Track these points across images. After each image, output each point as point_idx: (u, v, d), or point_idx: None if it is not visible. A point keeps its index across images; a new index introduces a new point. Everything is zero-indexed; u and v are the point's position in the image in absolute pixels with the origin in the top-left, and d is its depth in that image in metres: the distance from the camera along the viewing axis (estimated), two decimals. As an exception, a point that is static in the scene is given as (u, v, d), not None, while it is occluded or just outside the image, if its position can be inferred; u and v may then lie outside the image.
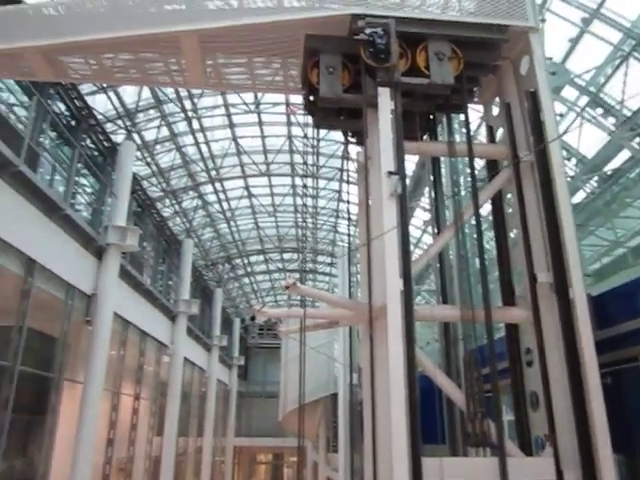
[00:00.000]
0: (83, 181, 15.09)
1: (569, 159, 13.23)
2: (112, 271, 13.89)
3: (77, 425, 12.46)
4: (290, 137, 23.03)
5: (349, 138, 6.58)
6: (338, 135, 22.22)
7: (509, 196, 6.00)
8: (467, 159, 5.77)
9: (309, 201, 21.26)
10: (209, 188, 25.95)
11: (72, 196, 13.28)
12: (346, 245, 28.83)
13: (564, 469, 4.61)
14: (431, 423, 6.27)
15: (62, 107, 13.48)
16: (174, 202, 24.78)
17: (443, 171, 7.14)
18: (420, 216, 23.20)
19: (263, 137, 23.10)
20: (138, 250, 15.76)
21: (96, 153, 15.15)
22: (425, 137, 6.43)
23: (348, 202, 7.17)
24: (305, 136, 20.19)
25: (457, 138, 7.07)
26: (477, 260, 6.62)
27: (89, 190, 15.43)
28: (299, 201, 27.66)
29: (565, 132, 12.96)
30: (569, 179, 12.59)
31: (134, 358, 17.51)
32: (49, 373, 11.92)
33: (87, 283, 13.26)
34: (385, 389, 4.49)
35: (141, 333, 17.82)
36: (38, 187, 10.66)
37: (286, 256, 35.34)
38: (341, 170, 24.53)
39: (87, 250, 13.24)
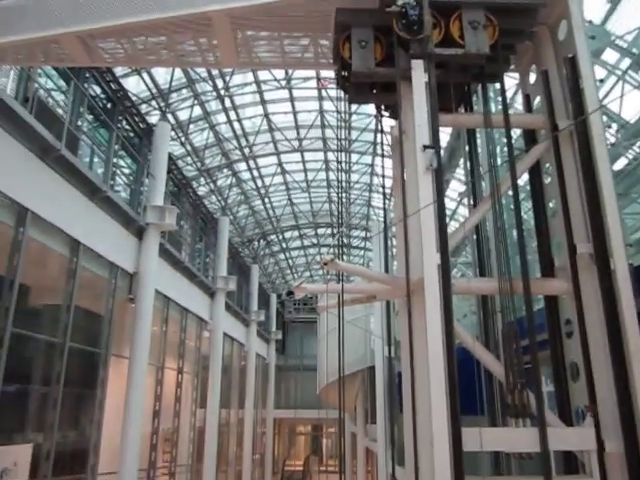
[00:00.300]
0: (121, 163, 15.43)
1: (610, 126, 12.80)
2: (152, 250, 14.26)
3: (125, 398, 13.00)
4: (322, 112, 22.93)
5: (382, 112, 6.54)
6: (370, 108, 22.03)
7: (547, 165, 5.90)
8: (504, 129, 5.68)
9: (342, 176, 21.20)
10: (243, 166, 26.17)
11: (111, 178, 13.61)
12: (380, 219, 28.76)
13: (605, 439, 4.61)
14: (470, 395, 6.31)
15: (98, 90, 13.75)
16: (209, 181, 25.10)
17: (479, 142, 7.04)
18: (455, 188, 22.89)
19: (295, 113, 23.07)
20: (176, 229, 16.11)
21: (132, 135, 15.43)
22: (460, 108, 6.34)
23: (383, 176, 7.14)
24: (337, 110, 20.09)
25: (492, 108, 6.95)
26: (515, 232, 6.57)
27: (127, 171, 15.77)
28: (332, 176, 27.67)
29: (604, 98, 12.53)
30: (610, 146, 12.21)
31: (176, 334, 18.03)
32: (97, 349, 12.43)
33: (129, 262, 13.66)
34: (424, 362, 4.55)
35: (181, 309, 18.30)
36: (79, 170, 10.98)
37: (320, 231, 35.51)
38: (374, 144, 24.34)
39: (127, 230, 13.61)
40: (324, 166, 27.40)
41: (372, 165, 26.52)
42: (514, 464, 5.95)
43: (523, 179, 6.51)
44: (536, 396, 4.57)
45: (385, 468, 18.23)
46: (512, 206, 6.49)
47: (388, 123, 6.76)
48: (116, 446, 12.75)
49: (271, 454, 34.16)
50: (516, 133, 8.53)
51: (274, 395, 35.09)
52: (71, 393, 11.75)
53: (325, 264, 4.26)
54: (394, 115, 6.30)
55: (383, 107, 6.62)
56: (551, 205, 5.90)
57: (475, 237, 6.17)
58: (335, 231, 34.10)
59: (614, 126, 12.90)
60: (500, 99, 6.84)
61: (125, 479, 12.57)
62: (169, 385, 17.16)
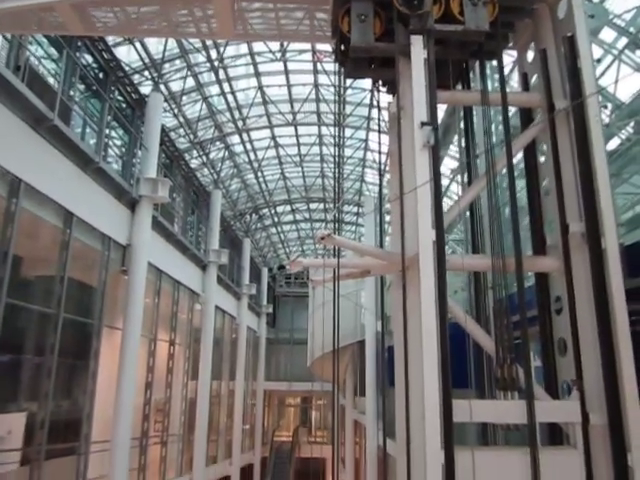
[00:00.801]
0: (113, 134, 15.28)
1: (605, 106, 12.82)
2: (145, 222, 14.25)
3: (118, 368, 13.13)
4: (317, 85, 22.72)
5: (380, 87, 6.52)
6: (365, 83, 21.85)
7: (543, 146, 5.94)
8: (499, 107, 5.70)
9: (338, 151, 21.14)
10: (236, 139, 25.99)
11: (104, 149, 13.51)
12: (373, 195, 28.78)
13: (590, 412, 4.76)
14: (459, 369, 6.47)
15: (89, 59, 13.52)
16: (202, 153, 24.92)
17: (475, 119, 7.05)
18: (448, 165, 22.92)
19: (289, 86, 22.85)
20: (169, 201, 16.06)
21: (124, 106, 15.25)
22: (457, 86, 6.34)
23: (380, 152, 7.10)
24: (333, 85, 19.89)
25: (489, 85, 6.95)
26: (508, 210, 6.64)
27: (119, 143, 15.63)
28: (325, 151, 27.56)
29: (600, 77, 12.51)
30: (605, 127, 12.24)
31: (168, 306, 18.13)
32: (90, 320, 12.50)
33: (122, 234, 13.65)
34: (417, 336, 4.65)
35: (174, 282, 18.37)
36: (72, 141, 10.89)
37: (312, 206, 35.51)
38: (368, 119, 24.21)
39: (120, 202, 13.57)
40: (318, 140, 27.27)
41: (366, 140, 26.43)
42: (500, 436, 6.12)
43: (517, 158, 6.55)
44: (525, 370, 4.70)
45: (374, 439, 18.66)
46: (506, 184, 6.56)
47: (385, 99, 6.75)
48: (109, 416, 12.93)
49: (261, 425, 34.70)
50: (510, 111, 8.52)
51: (264, 368, 35.50)
52: (65, 363, 11.86)
53: (322, 238, 4.31)
54: (391, 91, 6.29)
55: (380, 82, 6.60)
56: (544, 184, 5.97)
57: (469, 215, 6.24)
58: (327, 206, 34.13)
59: (609, 106, 12.93)
60: (496, 77, 6.84)
61: (118, 447, 12.78)
62: (161, 357, 17.32)
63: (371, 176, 30.37)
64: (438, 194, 4.72)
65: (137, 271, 13.86)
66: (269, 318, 37.74)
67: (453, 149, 18.70)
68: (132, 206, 14.08)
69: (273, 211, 35.55)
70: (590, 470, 4.57)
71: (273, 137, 26.66)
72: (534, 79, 6.22)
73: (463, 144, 7.58)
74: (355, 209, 34.28)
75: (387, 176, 9.44)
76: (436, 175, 4.74)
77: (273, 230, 39.27)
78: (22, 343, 11.95)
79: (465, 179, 6.70)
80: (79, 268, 12.09)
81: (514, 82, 11.72)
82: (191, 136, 23.13)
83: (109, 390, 13.01)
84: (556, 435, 5.27)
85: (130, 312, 13.57)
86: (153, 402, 16.32)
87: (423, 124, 4.91)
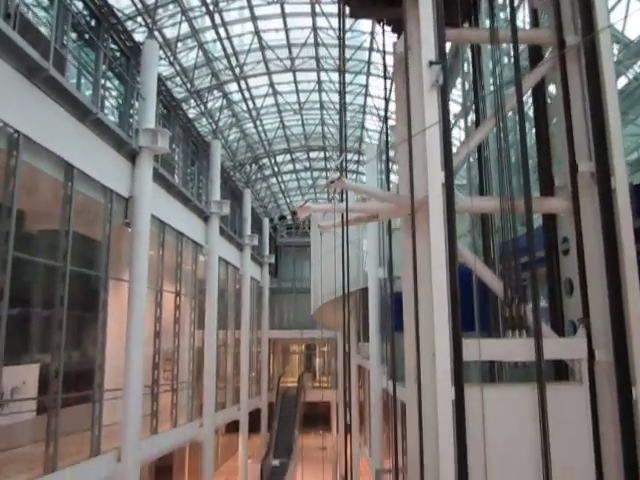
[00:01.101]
0: (109, 85, 14.94)
1: (614, 43, 12.47)
2: (146, 174, 14.13)
3: (127, 319, 13.33)
4: (315, 29, 22.05)
5: (384, 27, 6.34)
6: (365, 26, 21.18)
7: (552, 87, 5.82)
8: (507, 45, 5.55)
9: (336, 97, 20.70)
10: (233, 87, 25.44)
11: (100, 100, 13.24)
12: (374, 142, 28.45)
13: (595, 349, 4.87)
14: (466, 312, 6.55)
15: (80, 6, 13.07)
16: (199, 103, 24.47)
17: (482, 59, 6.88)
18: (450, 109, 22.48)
19: (287, 30, 22.17)
20: (169, 152, 15.89)
21: (119, 54, 14.85)
22: (465, 24, 6.15)
23: (387, 100, 6.95)
24: (332, 28, 19.32)
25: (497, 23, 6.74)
26: (514, 151, 6.57)
27: (115, 94, 15.31)
28: (325, 97, 27.02)
29: (609, 12, 12.10)
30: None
31: (172, 258, 18.23)
32: (96, 272, 12.61)
33: (123, 186, 13.57)
34: (426, 278, 4.70)
35: (177, 234, 18.40)
36: (69, 91, 10.66)
37: (313, 155, 35.14)
38: (368, 63, 23.62)
39: (120, 154, 13.41)
40: (317, 87, 26.70)
41: (366, 86, 25.86)
42: (504, 374, 6.26)
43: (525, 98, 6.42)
44: (533, 308, 4.77)
45: (378, 382, 19.17)
46: (513, 125, 6.46)
47: (389, 41, 6.56)
48: (121, 365, 13.23)
49: (267, 372, 35.56)
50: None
51: (268, 317, 36.05)
52: (74, 316, 12.04)
53: (332, 182, 4.28)
54: (397, 30, 6.11)
55: (385, 22, 6.40)
56: (553, 124, 5.89)
57: (477, 157, 6.18)
58: (328, 155, 33.79)
59: (617, 44, 12.59)
60: (502, 16, 6.62)
61: (130, 395, 13.13)
62: (168, 307, 17.55)
63: (372, 123, 29.90)
64: (447, 135, 4.66)
65: (140, 223, 13.85)
66: (271, 268, 38.03)
67: (455, 93, 18.31)
68: (132, 158, 13.94)
69: (273, 161, 35.22)
70: (595, 404, 4.71)
71: (271, 84, 26.09)
72: (544, 16, 6.04)
73: (467, 86, 7.44)
74: (356, 157, 33.96)
75: (391, 122, 9.28)
76: (445, 115, 4.66)
77: (273, 180, 39.03)
78: (32, 296, 12.10)
79: (469, 123, 6.60)
80: (83, 221, 12.09)
81: (520, 22, 11.34)
82: (188, 85, 22.63)
83: (119, 340, 13.26)
84: (561, 372, 5.41)
85: (135, 264, 13.65)
86: (162, 351, 16.66)
87: (431, 63, 4.80)
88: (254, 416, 30.52)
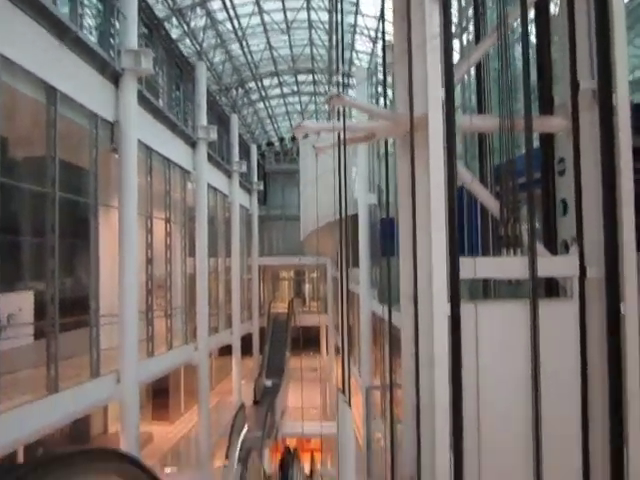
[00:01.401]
0: (86, 2, 14.14)
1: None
2: (131, 97, 13.71)
3: (118, 245, 13.35)
4: (302, -60, 20.80)
5: None
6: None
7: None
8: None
9: (325, 16, 19.87)
10: (217, 4, 24.25)
11: (79, 18, 12.58)
12: (364, 64, 27.62)
13: (587, 266, 4.96)
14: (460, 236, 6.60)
15: None
16: (182, 22, 23.38)
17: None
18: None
19: (272, -59, 20.91)
20: (153, 74, 15.34)
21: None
22: None
23: (382, 10, 6.63)
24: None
25: None
26: (514, 68, 6.40)
27: (95, 12, 14.52)
28: (314, 16, 25.91)
29: None
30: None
31: (161, 185, 18.05)
32: (85, 199, 12.48)
33: (108, 111, 13.19)
34: (423, 199, 4.69)
35: (164, 160, 18.13)
36: (45, 7, 10.09)
37: (301, 78, 34.16)
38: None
39: (103, 76, 12.93)
40: (305, 4, 25.53)
41: (357, 4, 24.76)
42: (493, 292, 6.40)
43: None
44: (529, 227, 4.82)
45: (367, 306, 19.69)
46: (512, 42, 6.26)
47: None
48: (115, 292, 13.38)
49: (257, 298, 36.26)
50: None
51: (258, 244, 36.32)
52: (66, 243, 12.02)
53: (331, 98, 4.17)
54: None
55: None
56: (555, 40, 5.71)
57: (475, 74, 6.02)
58: (316, 78, 32.84)
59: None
60: None
61: (126, 320, 13.37)
62: (158, 235, 17.57)
63: (362, 44, 28.88)
64: (448, 49, 4.51)
65: (127, 149, 13.58)
66: (260, 196, 37.90)
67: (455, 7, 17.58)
68: (116, 80, 13.45)
69: (260, 84, 34.22)
70: (584, 319, 4.87)
71: (257, 2, 24.90)
72: None
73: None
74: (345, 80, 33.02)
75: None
76: (447, 28, 4.49)
77: (260, 105, 38.10)
78: (22, 224, 12.02)
79: (464, 40, 6.39)
80: (69, 147, 11.80)
81: None
82: (170, 2, 21.51)
83: (113, 267, 13.34)
84: (552, 289, 5.54)
85: (124, 190, 13.51)
86: (155, 278, 16.84)
87: (433, -29, 4.55)
88: (246, 341, 31.43)
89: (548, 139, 5.73)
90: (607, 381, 4.65)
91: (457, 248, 4.51)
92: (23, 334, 11.37)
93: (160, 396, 21.46)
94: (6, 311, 10.88)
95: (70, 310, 12.25)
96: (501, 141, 5.23)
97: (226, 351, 27.89)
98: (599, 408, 4.60)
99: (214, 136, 21.59)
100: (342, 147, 5.07)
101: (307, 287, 47.07)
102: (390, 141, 8.64)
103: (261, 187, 36.55)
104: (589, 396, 4.61)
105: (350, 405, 5.26)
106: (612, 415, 4.49)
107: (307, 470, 23.32)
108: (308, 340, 36.44)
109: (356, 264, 20.64)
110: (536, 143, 5.95)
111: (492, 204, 5.21)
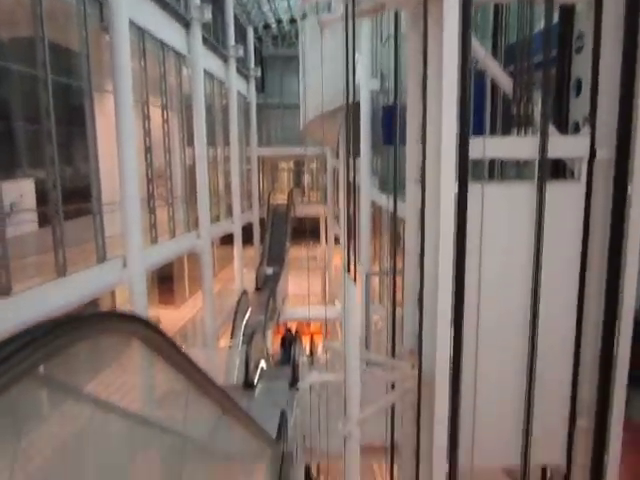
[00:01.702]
0: None
1: None
2: (118, -29, 12.78)
3: (116, 131, 13.09)
4: None
5: None
6: None
7: None
8: None
9: None
10: None
11: None
12: None
13: (597, 148, 4.90)
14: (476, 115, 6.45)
15: None
16: None
17: None
18: None
19: None
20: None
21: None
22: None
23: None
24: None
25: None
26: None
27: None
28: None
29: None
30: None
31: (155, 70, 17.34)
32: (79, 82, 12.04)
33: (94, -15, 12.35)
34: (435, 79, 4.52)
35: (158, 42, 17.27)
36: None
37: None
38: None
39: (87, -55, 11.97)
40: None
41: None
42: (497, 173, 6.38)
43: None
44: (542, 105, 4.70)
45: (367, 194, 19.72)
46: None
47: None
48: (116, 181, 13.33)
49: (257, 189, 36.25)
50: None
51: (256, 133, 35.63)
52: (63, 130, 11.77)
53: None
54: None
55: None
56: None
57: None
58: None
59: None
60: None
61: (128, 207, 13.45)
62: (156, 121, 17.17)
63: None
64: None
65: (118, 28, 12.87)
66: (258, 83, 36.59)
67: None
68: (100, -50, 12.47)
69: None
70: (589, 200, 4.89)
71: None
72: None
73: None
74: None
75: None
76: None
77: (256, -18, 35.62)
78: (14, 110, 11.69)
79: None
80: (57, 27, 11.18)
81: None
82: None
83: (112, 154, 13.18)
84: (559, 171, 5.52)
85: (118, 73, 12.99)
86: (154, 167, 16.70)
87: None
88: (247, 230, 31.88)
89: (568, 14, 5.42)
90: (606, 266, 4.77)
91: (468, 127, 4.41)
92: (27, 220, 11.49)
93: (165, 283, 22.20)
94: (8, 199, 10.91)
95: (72, 197, 12.29)
96: (519, 14, 4.95)
97: (228, 240, 28.40)
98: (596, 292, 4.77)
99: (208, 16, 20.38)
100: (350, 21, 4.79)
101: (306, 177, 46.87)
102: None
103: (259, 73, 35.19)
104: (586, 278, 4.76)
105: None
106: (608, 298, 4.64)
107: (307, 351, 24.68)
108: (309, 229, 36.96)
109: (357, 154, 20.38)
110: (556, 19, 5.65)
111: (505, 81, 5.03)
